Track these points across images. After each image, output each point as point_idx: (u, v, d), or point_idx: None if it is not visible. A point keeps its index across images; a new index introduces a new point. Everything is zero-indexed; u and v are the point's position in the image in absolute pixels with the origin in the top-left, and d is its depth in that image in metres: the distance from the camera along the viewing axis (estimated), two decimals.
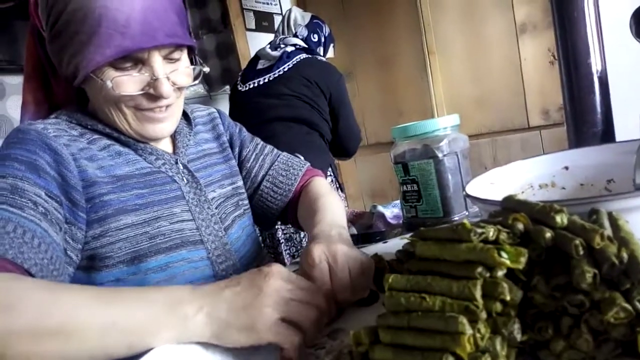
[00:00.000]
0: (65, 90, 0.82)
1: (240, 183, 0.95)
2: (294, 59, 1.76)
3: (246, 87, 1.78)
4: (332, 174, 1.81)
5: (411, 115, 2.88)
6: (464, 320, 0.37)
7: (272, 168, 0.98)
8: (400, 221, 1.15)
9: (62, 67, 0.75)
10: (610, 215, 0.42)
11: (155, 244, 0.75)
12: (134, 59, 0.71)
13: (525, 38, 2.53)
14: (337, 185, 1.84)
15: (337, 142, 1.90)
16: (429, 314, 0.40)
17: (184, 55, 0.77)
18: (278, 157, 1.01)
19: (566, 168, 0.68)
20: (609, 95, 1.75)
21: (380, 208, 1.19)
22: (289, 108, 1.72)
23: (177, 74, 0.76)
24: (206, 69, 0.82)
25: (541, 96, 2.54)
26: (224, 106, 2.85)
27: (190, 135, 0.90)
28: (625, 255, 0.36)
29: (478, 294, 0.39)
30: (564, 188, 0.67)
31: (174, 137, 0.88)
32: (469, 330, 0.37)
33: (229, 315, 0.51)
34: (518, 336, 0.39)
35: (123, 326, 0.50)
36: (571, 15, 1.76)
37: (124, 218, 0.73)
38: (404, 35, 2.90)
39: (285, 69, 1.74)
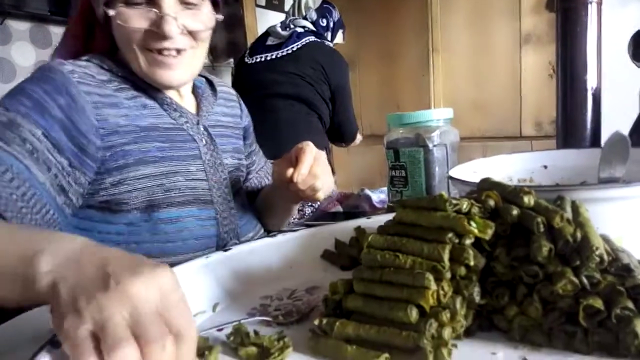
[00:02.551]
0: (102, 42, 0.84)
1: (244, 162, 1.00)
2: (304, 40, 1.79)
3: (253, 59, 1.81)
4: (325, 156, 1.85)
5: (408, 110, 2.92)
6: (430, 276, 0.42)
7: (261, 169, 1.07)
8: (385, 205, 1.19)
9: (96, 9, 0.78)
10: (573, 202, 0.46)
11: (169, 197, 0.78)
12: None
13: (528, 49, 2.58)
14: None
15: (334, 128, 1.95)
16: (400, 270, 0.44)
17: (205, 6, 0.79)
18: (266, 163, 1.11)
19: (545, 167, 0.72)
20: (600, 113, 1.81)
21: (367, 191, 1.23)
22: (292, 86, 1.75)
23: (190, 18, 0.77)
24: (220, 17, 0.82)
25: (537, 107, 2.60)
26: (227, 79, 2.87)
27: (214, 104, 0.94)
28: (579, 235, 0.41)
29: (446, 256, 0.43)
30: (540, 185, 0.72)
31: (198, 100, 0.91)
32: (433, 286, 0.41)
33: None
34: (477, 298, 0.43)
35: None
36: (574, 31, 1.82)
37: (143, 168, 0.76)
38: (410, 31, 2.93)
39: (294, 49, 1.78)
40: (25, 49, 2.09)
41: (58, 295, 0.36)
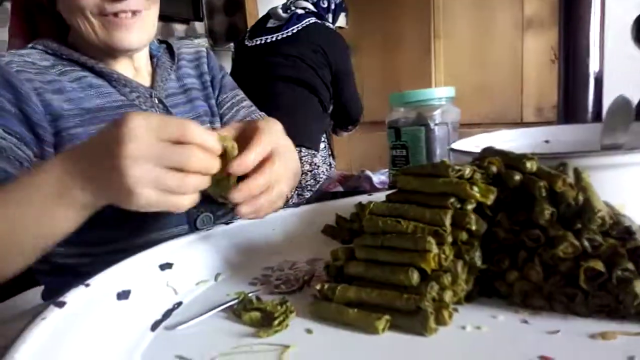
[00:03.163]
0: (50, 26, 0.82)
1: (219, 125, 0.94)
2: (304, 22, 1.78)
3: (254, 42, 1.80)
4: (325, 140, 1.85)
5: None
6: (431, 240, 0.42)
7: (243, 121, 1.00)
8: (386, 186, 1.19)
9: None
10: (575, 169, 0.46)
11: None
12: None
13: (531, 34, 2.56)
14: (330, 152, 1.88)
15: (340, 110, 1.93)
16: (402, 235, 0.44)
17: None
18: (253, 114, 1.00)
19: (547, 141, 0.72)
20: (602, 96, 1.80)
21: (368, 172, 1.23)
22: (293, 69, 1.74)
23: None
24: None
25: (538, 93, 2.59)
26: (227, 63, 2.86)
27: (171, 70, 0.90)
28: (581, 198, 0.41)
29: (448, 221, 0.43)
30: (542, 152, 0.72)
31: (153, 71, 0.88)
32: (434, 249, 0.42)
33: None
34: (478, 262, 0.43)
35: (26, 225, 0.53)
36: (577, 15, 1.80)
37: None
38: (412, 16, 2.91)
39: (294, 31, 1.76)
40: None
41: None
